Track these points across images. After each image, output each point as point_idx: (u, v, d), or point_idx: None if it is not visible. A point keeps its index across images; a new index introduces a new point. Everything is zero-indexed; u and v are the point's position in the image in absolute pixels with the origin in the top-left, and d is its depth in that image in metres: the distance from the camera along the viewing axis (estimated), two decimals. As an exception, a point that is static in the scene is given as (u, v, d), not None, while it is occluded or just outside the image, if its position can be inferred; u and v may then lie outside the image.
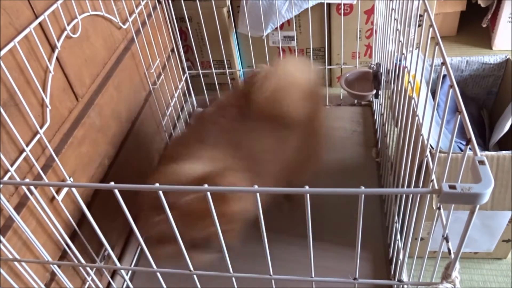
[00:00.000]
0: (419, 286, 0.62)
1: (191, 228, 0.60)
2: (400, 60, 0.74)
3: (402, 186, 0.70)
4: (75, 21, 0.73)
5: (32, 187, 0.52)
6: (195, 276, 0.50)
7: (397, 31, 0.75)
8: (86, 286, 0.74)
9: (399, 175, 0.70)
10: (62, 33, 0.69)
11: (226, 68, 1.29)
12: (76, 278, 0.73)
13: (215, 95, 1.32)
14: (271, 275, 0.49)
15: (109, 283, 0.80)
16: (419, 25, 1.20)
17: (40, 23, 0.64)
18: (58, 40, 0.68)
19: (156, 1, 1.10)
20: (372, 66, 1.12)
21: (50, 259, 0.58)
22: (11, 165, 0.57)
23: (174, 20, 1.17)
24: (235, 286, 0.51)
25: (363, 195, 0.37)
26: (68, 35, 0.71)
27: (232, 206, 0.62)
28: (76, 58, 0.74)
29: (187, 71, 1.29)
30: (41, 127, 0.63)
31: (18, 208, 0.59)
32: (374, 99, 1.16)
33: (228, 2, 1.27)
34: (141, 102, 1.01)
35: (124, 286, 0.84)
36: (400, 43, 0.73)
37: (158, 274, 0.52)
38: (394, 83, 0.80)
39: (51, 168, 0.66)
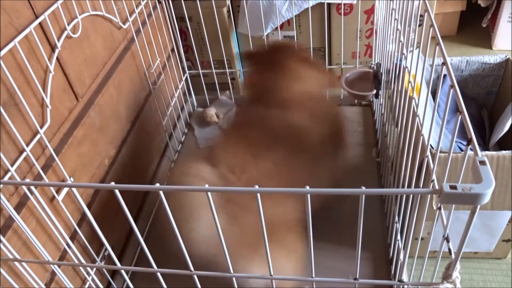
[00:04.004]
0: (419, 286, 0.62)
1: None
2: (401, 60, 0.74)
3: (403, 186, 0.70)
4: (75, 21, 0.72)
5: (32, 187, 0.52)
6: (195, 276, 0.50)
7: (398, 31, 0.75)
8: (86, 286, 0.74)
9: (400, 175, 0.70)
10: (62, 33, 0.69)
11: (226, 68, 1.29)
12: (76, 278, 0.73)
13: (215, 95, 1.33)
14: (272, 275, 0.49)
15: (109, 283, 0.80)
16: (419, 25, 1.20)
17: (40, 23, 0.64)
18: (58, 40, 0.68)
19: (156, 1, 1.10)
20: (373, 66, 1.12)
21: (50, 259, 0.58)
22: (11, 165, 0.57)
23: (174, 20, 1.16)
24: (235, 286, 0.51)
25: (363, 195, 0.37)
26: (68, 35, 0.71)
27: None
28: (76, 58, 0.74)
29: (187, 71, 1.29)
30: (41, 127, 0.63)
31: (18, 208, 0.59)
32: (374, 99, 1.16)
33: (228, 2, 1.27)
34: (141, 102, 1.00)
35: (124, 286, 0.84)
36: (400, 43, 0.73)
37: (158, 274, 0.52)
38: (394, 83, 0.80)
39: (51, 168, 0.66)
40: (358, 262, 0.46)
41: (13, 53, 0.58)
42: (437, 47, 0.48)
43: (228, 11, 1.27)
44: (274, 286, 0.51)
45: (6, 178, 0.56)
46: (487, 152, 0.73)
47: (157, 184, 0.40)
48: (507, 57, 1.01)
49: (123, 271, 0.58)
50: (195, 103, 1.33)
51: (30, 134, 0.62)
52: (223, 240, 0.45)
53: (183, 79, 1.28)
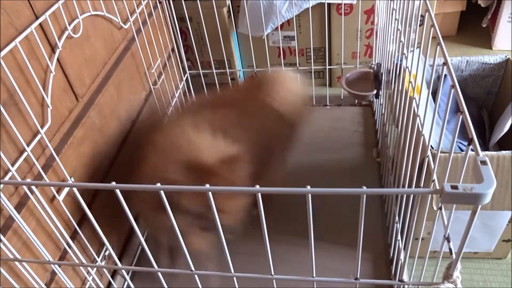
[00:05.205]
0: (420, 286, 0.62)
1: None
2: (401, 60, 0.74)
3: (403, 186, 0.70)
4: (76, 21, 0.72)
5: (33, 187, 0.52)
6: (196, 276, 0.50)
7: (398, 31, 0.75)
8: (87, 286, 0.74)
9: (400, 175, 0.70)
10: (63, 33, 0.69)
11: (227, 68, 1.29)
12: (76, 278, 0.73)
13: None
14: (272, 275, 0.49)
15: (110, 283, 0.80)
16: (419, 25, 1.20)
17: (40, 23, 0.64)
18: (59, 40, 0.68)
19: (157, 1, 1.10)
20: (373, 66, 1.12)
21: (50, 259, 0.58)
22: (12, 165, 0.57)
23: (175, 20, 1.16)
24: (236, 286, 0.51)
25: (364, 195, 0.37)
26: (69, 35, 0.71)
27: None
28: (76, 58, 0.74)
29: (187, 71, 1.29)
30: (41, 127, 0.63)
31: (18, 208, 0.59)
32: (375, 99, 1.16)
33: (228, 2, 1.27)
34: (141, 102, 1.00)
35: (125, 286, 0.84)
36: (401, 43, 0.73)
37: (159, 273, 0.52)
38: (394, 83, 0.80)
39: (51, 168, 0.66)
40: (359, 262, 0.46)
41: (13, 53, 0.58)
42: (438, 47, 0.48)
43: (228, 11, 1.28)
44: (275, 286, 0.51)
45: (6, 178, 0.56)
46: (487, 152, 0.73)
47: (158, 184, 0.40)
48: (507, 57, 1.01)
49: (123, 271, 0.58)
50: (195, 103, 1.33)
51: (30, 134, 0.62)
52: (223, 240, 0.45)
53: (184, 79, 1.28)
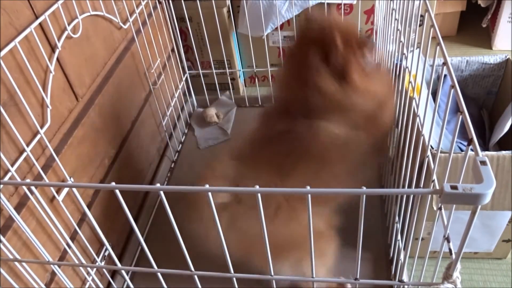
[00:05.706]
0: (420, 286, 0.62)
1: None
2: (401, 60, 0.74)
3: (403, 186, 0.69)
4: (75, 21, 0.72)
5: (32, 187, 0.52)
6: (195, 276, 0.50)
7: (398, 31, 0.75)
8: (87, 286, 0.74)
9: (400, 175, 0.70)
10: (62, 33, 0.69)
11: (226, 68, 1.29)
12: (76, 278, 0.73)
13: (215, 95, 1.33)
14: (272, 275, 0.49)
15: (109, 283, 0.80)
16: (419, 25, 1.20)
17: (40, 23, 0.64)
18: (58, 40, 0.68)
19: (157, 1, 1.10)
20: (372, 66, 1.12)
21: (50, 259, 0.58)
22: (12, 165, 0.57)
23: (175, 20, 1.16)
24: (236, 286, 0.51)
25: (364, 195, 0.37)
26: (69, 35, 0.71)
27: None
28: (76, 58, 0.74)
29: (187, 71, 1.29)
30: (41, 127, 0.63)
31: (18, 208, 0.59)
32: (374, 99, 1.16)
33: (228, 2, 1.27)
34: (141, 102, 1.00)
35: (125, 286, 0.84)
36: (400, 43, 0.73)
37: (158, 274, 0.52)
38: (394, 83, 0.80)
39: (51, 168, 0.66)
40: (359, 262, 0.46)
41: (13, 53, 0.58)
42: (438, 47, 0.48)
43: (228, 11, 1.27)
44: (275, 286, 0.51)
45: (6, 178, 0.56)
46: (487, 152, 0.73)
47: (157, 184, 0.40)
48: (507, 57, 1.01)
49: (123, 271, 0.58)
50: (195, 103, 1.33)
51: (30, 134, 0.62)
52: (223, 240, 0.45)
53: (183, 79, 1.28)
